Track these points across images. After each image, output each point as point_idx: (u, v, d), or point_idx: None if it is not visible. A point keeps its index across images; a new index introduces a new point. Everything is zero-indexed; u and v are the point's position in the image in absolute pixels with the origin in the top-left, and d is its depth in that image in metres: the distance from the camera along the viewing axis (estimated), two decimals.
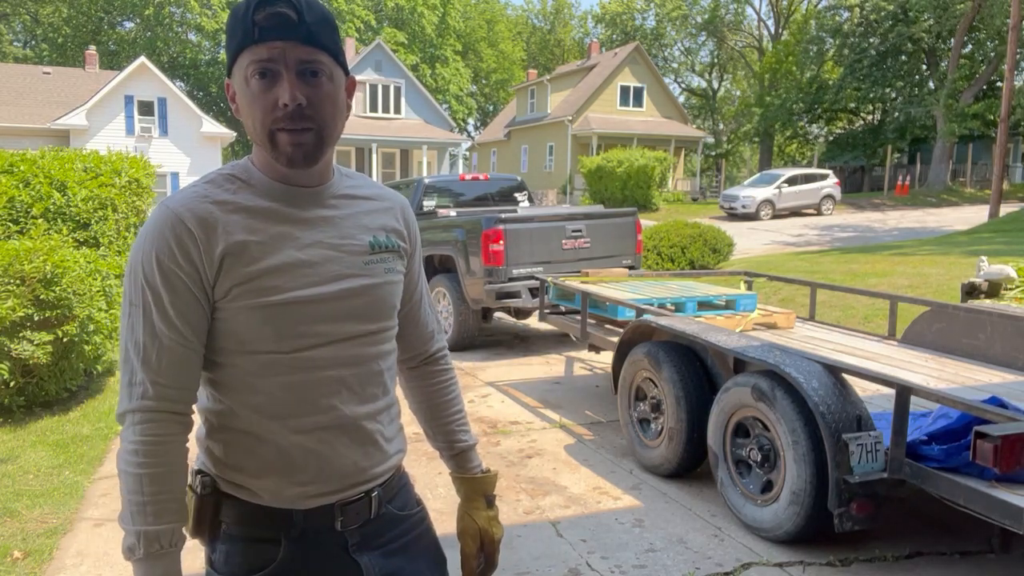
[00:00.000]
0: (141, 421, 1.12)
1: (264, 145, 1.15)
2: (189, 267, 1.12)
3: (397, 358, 1.44)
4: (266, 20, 1.10)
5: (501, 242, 6.55)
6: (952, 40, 29.47)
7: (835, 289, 5.97)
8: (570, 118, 31.02)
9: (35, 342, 4.64)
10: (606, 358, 6.35)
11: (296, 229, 1.18)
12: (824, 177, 24.62)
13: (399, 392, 1.36)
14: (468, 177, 8.81)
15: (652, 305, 4.73)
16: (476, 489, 1.44)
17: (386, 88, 32.61)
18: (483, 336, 7.67)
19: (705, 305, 5.26)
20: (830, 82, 33.63)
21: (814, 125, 38.33)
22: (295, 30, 1.11)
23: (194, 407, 1.22)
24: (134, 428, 1.12)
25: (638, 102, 32.60)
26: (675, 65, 49.12)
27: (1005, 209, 19.40)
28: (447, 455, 1.47)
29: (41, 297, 4.69)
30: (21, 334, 4.63)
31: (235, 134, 28.65)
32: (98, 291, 5.17)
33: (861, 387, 3.38)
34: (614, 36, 46.34)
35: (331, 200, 1.24)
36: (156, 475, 1.11)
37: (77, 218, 6.54)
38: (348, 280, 1.20)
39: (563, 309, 5.94)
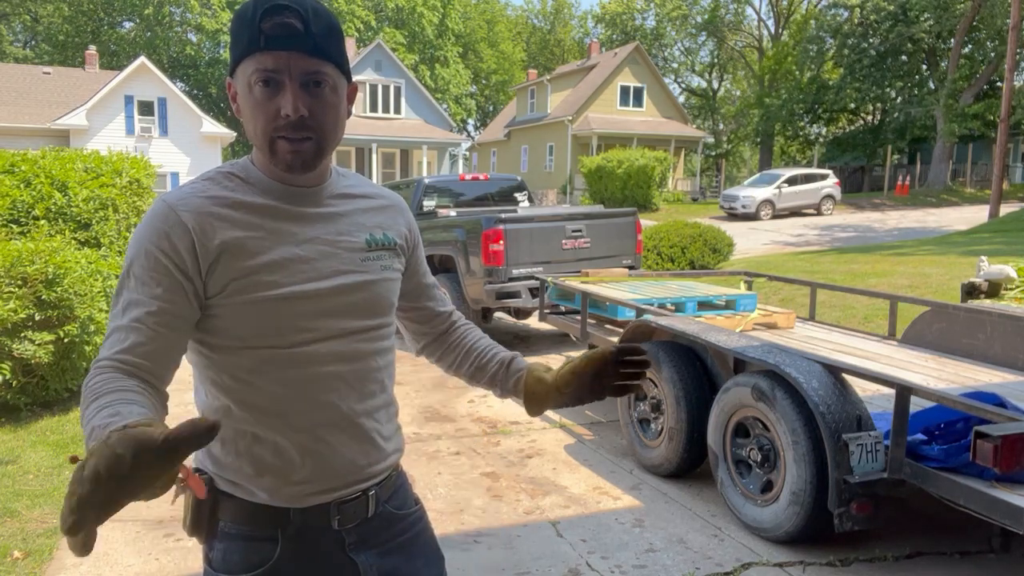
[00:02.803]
0: (101, 370, 1.04)
1: (263, 151, 1.17)
2: (177, 256, 1.11)
3: (425, 345, 1.49)
4: (273, 29, 1.10)
5: (501, 242, 6.55)
6: (952, 40, 29.47)
7: (835, 289, 5.97)
8: (570, 118, 31.01)
9: (36, 342, 4.65)
10: None
11: (294, 226, 1.19)
12: (824, 177, 24.61)
13: (400, 392, 1.36)
14: (468, 177, 8.81)
15: (652, 305, 4.73)
16: (540, 368, 1.39)
17: (386, 88, 32.61)
18: None
19: (705, 305, 5.26)
20: (830, 82, 33.63)
21: (814, 125, 38.32)
22: (301, 41, 1.11)
23: (196, 406, 1.22)
24: (92, 374, 1.04)
25: (638, 102, 32.59)
26: (675, 65, 49.12)
27: (1005, 209, 19.41)
28: (505, 375, 1.41)
29: (42, 297, 4.70)
30: (23, 334, 4.65)
31: (235, 134, 28.66)
32: (99, 292, 5.18)
33: (861, 387, 3.38)
34: (614, 36, 46.31)
35: (328, 199, 1.25)
36: (109, 389, 0.99)
37: (78, 218, 6.54)
38: (345, 276, 1.21)
39: (563, 309, 5.94)
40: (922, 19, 29.06)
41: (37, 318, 4.69)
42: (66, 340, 4.81)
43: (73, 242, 5.97)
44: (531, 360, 1.46)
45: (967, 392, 3.02)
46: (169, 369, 1.12)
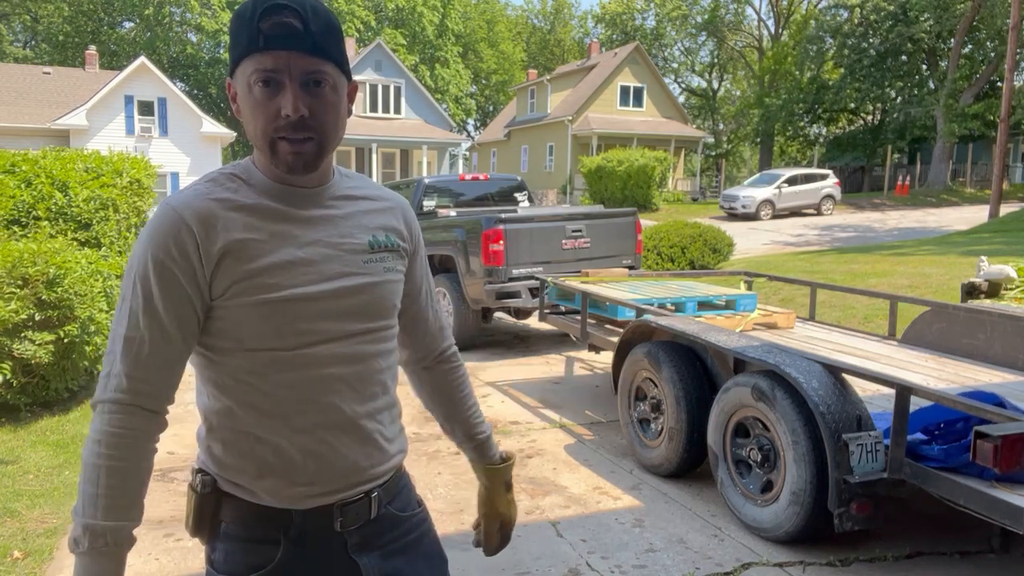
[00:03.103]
0: (110, 412, 1.12)
1: (264, 151, 1.16)
2: (185, 263, 1.12)
3: (409, 359, 1.47)
4: (272, 29, 1.10)
5: (501, 242, 6.56)
6: (952, 40, 29.47)
7: (835, 289, 5.98)
8: (570, 118, 31.01)
9: (37, 342, 4.66)
10: (606, 358, 6.35)
11: (296, 228, 1.19)
12: (824, 177, 24.62)
13: (402, 392, 1.36)
14: (468, 177, 8.81)
15: (652, 305, 4.73)
16: (498, 477, 1.51)
17: (386, 88, 32.61)
18: (483, 336, 7.67)
19: (705, 305, 5.26)
20: (830, 82, 33.63)
21: (814, 125, 38.32)
22: (301, 41, 1.11)
23: (199, 407, 1.22)
24: (102, 418, 1.12)
25: (638, 102, 32.59)
26: (675, 65, 49.12)
27: (1005, 209, 19.41)
28: (468, 447, 1.51)
29: (43, 297, 4.71)
30: (23, 334, 4.65)
31: (235, 134, 28.64)
32: (99, 292, 5.18)
33: (861, 387, 3.38)
34: (614, 36, 46.30)
35: (330, 200, 1.24)
36: (113, 468, 1.11)
37: (79, 218, 6.55)
38: (348, 278, 1.21)
39: (563, 309, 5.94)
40: (922, 19, 29.06)
41: (37, 318, 4.69)
42: (66, 340, 4.81)
43: (74, 242, 5.97)
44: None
45: (967, 392, 3.03)
46: (179, 378, 1.18)
